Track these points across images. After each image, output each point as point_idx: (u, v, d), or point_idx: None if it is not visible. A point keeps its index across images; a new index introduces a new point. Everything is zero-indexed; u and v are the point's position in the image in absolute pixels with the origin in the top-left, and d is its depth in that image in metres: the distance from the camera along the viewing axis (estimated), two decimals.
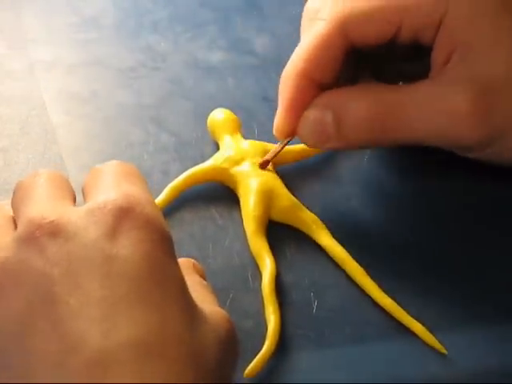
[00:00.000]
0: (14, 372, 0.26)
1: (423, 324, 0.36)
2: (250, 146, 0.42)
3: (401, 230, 0.41)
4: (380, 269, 0.38)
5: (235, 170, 0.41)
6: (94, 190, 0.30)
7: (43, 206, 0.29)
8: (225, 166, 0.41)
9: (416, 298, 0.37)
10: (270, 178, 0.41)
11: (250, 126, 0.46)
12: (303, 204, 0.41)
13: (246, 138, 0.44)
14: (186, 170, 0.42)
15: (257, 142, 0.43)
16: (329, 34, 0.37)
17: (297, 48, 0.38)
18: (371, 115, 0.37)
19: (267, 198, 0.40)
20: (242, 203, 0.41)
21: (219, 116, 0.44)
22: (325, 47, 0.37)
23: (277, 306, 0.36)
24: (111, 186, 0.30)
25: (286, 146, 0.41)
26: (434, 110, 0.36)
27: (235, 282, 0.38)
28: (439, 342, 0.35)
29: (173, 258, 0.29)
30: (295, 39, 0.51)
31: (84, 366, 0.25)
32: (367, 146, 0.39)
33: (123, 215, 0.28)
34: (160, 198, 0.41)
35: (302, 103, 0.38)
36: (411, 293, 0.38)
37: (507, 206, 0.41)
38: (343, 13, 0.37)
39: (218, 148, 0.44)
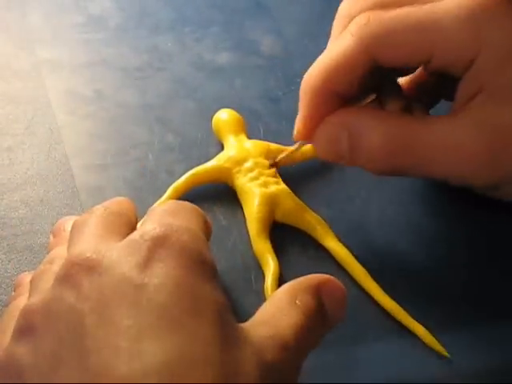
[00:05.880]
0: None
1: (424, 325, 0.36)
2: (253, 146, 0.42)
3: (405, 232, 0.40)
4: (383, 270, 0.38)
5: (238, 169, 0.41)
6: (141, 225, 0.31)
7: (85, 245, 0.30)
8: (227, 165, 0.41)
9: (418, 299, 0.37)
10: (274, 183, 0.41)
11: (256, 126, 0.46)
12: (307, 205, 0.41)
13: (251, 138, 0.44)
14: (190, 170, 0.42)
15: (260, 141, 0.43)
16: (353, 53, 0.36)
17: (321, 56, 0.37)
18: (385, 147, 0.36)
19: (271, 200, 0.40)
20: (244, 204, 0.40)
21: (224, 116, 0.44)
22: (348, 65, 0.36)
23: None
24: (153, 219, 0.31)
25: (288, 147, 0.42)
26: (449, 150, 0.35)
27: (238, 283, 0.38)
28: (440, 342, 0.35)
29: (210, 282, 0.28)
30: (302, 40, 0.51)
31: None
32: (381, 174, 0.38)
33: (158, 244, 0.29)
34: (163, 199, 0.40)
35: (321, 112, 0.37)
36: (413, 294, 0.38)
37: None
38: (371, 33, 0.36)
39: (222, 148, 0.44)
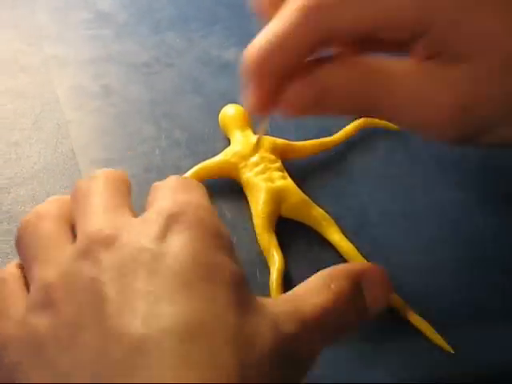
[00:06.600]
0: (57, 369, 0.27)
1: (430, 323, 0.36)
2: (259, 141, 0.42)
3: (410, 228, 0.40)
4: (388, 266, 0.38)
5: (244, 164, 0.41)
6: (152, 203, 0.32)
7: (101, 219, 0.30)
8: (234, 160, 0.41)
9: (423, 296, 0.37)
10: (280, 177, 0.41)
11: None
12: (313, 200, 0.41)
13: (257, 133, 0.44)
14: (197, 165, 0.42)
15: (266, 137, 0.43)
16: (297, 23, 0.32)
17: (264, 33, 0.33)
18: (354, 84, 0.34)
19: (276, 195, 0.40)
20: (250, 199, 0.40)
21: (230, 112, 0.44)
22: (294, 34, 0.33)
23: None
24: (166, 196, 0.31)
25: (294, 142, 0.43)
26: (416, 102, 0.33)
27: None
28: (446, 340, 0.35)
29: (228, 255, 0.29)
30: None
31: (124, 353, 0.25)
32: (348, 114, 0.36)
33: (174, 219, 0.29)
34: None
35: (277, 83, 0.34)
36: (418, 291, 0.37)
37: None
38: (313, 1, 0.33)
39: (229, 143, 0.44)
